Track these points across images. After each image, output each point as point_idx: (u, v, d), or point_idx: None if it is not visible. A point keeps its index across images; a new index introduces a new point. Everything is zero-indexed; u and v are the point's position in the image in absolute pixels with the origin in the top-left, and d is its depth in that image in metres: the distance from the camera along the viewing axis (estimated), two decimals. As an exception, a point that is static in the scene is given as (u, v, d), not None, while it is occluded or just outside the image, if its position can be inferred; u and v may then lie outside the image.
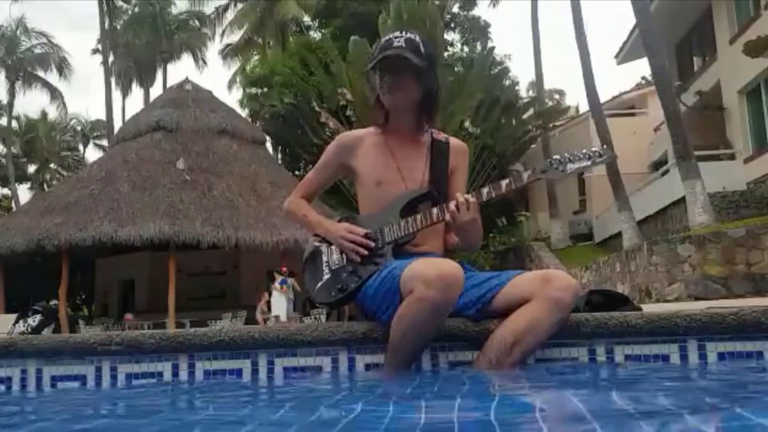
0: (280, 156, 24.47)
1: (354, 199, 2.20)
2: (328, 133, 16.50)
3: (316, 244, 2.11)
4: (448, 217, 1.88)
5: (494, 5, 29.25)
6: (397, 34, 2.01)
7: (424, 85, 2.03)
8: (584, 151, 1.88)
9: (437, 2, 22.27)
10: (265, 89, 23.38)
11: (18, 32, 34.55)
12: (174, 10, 35.75)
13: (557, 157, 1.89)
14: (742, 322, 1.79)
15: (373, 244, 1.97)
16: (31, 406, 1.77)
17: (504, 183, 1.89)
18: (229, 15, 32.81)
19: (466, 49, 26.19)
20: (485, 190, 1.90)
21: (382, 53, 1.99)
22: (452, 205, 1.88)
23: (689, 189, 11.79)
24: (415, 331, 1.75)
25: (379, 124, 2.14)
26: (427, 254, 1.97)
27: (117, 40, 33.88)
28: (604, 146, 1.99)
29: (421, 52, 1.99)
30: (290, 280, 13.34)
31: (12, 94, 35.23)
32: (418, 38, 2.00)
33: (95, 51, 37.46)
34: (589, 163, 1.87)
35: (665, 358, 1.83)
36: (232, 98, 40.85)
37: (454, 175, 2.13)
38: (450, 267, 1.72)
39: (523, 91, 29.50)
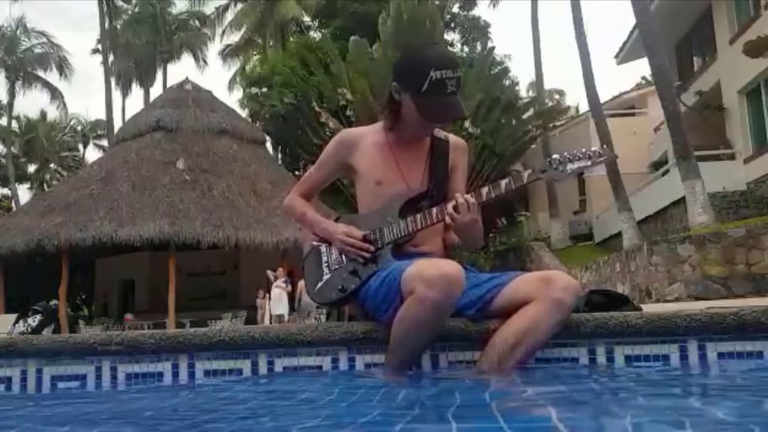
0: (280, 156, 24.47)
1: (353, 199, 2.19)
2: (328, 133, 16.49)
3: (315, 243, 2.10)
4: (447, 219, 1.87)
5: (494, 5, 29.30)
6: (450, 74, 1.88)
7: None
8: (584, 150, 1.86)
9: (437, 2, 22.30)
10: (265, 89, 23.38)
11: (18, 32, 34.59)
12: (174, 10, 35.82)
13: (557, 156, 1.87)
14: (742, 322, 1.79)
15: (372, 248, 1.96)
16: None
17: (503, 183, 1.88)
18: (229, 15, 32.87)
19: (466, 49, 26.18)
20: (485, 190, 1.88)
21: (441, 107, 1.93)
22: (450, 207, 1.86)
23: (689, 189, 11.78)
24: (417, 331, 1.75)
25: (389, 127, 2.09)
26: (427, 255, 1.96)
27: (117, 40, 33.90)
28: (604, 146, 1.98)
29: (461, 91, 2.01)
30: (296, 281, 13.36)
31: (12, 94, 35.25)
32: (462, 77, 1.96)
33: (95, 51, 37.48)
34: (589, 163, 1.85)
35: (665, 358, 1.83)
36: (232, 98, 40.85)
37: (453, 172, 2.12)
38: (451, 267, 1.72)
39: (523, 91, 29.54)
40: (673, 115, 12.14)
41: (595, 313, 1.92)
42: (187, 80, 20.23)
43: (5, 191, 40.19)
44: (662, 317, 1.85)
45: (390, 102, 2.04)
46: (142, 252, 16.62)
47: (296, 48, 23.82)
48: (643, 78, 28.84)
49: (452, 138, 2.17)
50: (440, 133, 2.14)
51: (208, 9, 34.88)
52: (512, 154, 19.15)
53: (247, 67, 30.69)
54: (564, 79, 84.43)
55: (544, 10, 63.03)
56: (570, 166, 1.86)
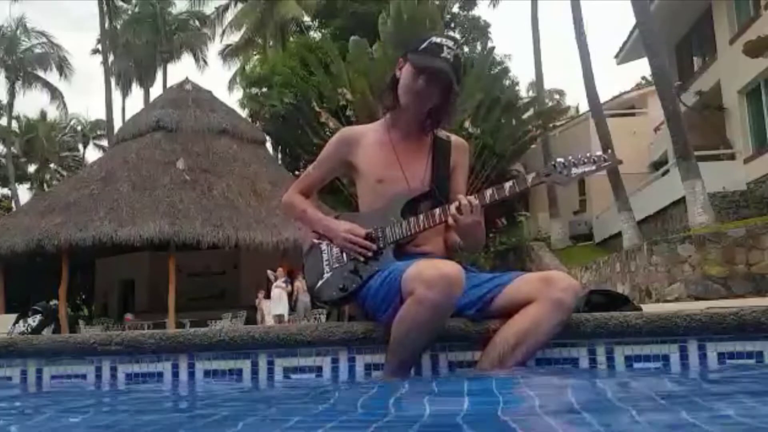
0: (280, 156, 24.47)
1: (353, 198, 2.19)
2: (328, 133, 16.48)
3: (315, 241, 2.09)
4: (450, 220, 1.87)
5: (494, 5, 29.27)
6: (450, 44, 1.98)
7: (444, 98, 2.03)
8: (588, 155, 1.86)
9: (437, 2, 22.30)
10: (265, 89, 23.38)
11: (18, 32, 34.58)
12: (174, 10, 35.81)
13: (561, 160, 1.87)
14: (742, 322, 1.79)
15: (375, 246, 1.95)
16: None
17: (507, 185, 1.88)
18: (229, 15, 32.85)
19: (466, 49, 26.16)
20: (488, 192, 1.88)
21: (430, 61, 1.95)
22: (453, 208, 1.86)
23: (689, 189, 11.79)
24: (417, 332, 1.75)
25: (389, 108, 2.09)
26: (429, 254, 1.96)
27: (117, 40, 33.89)
28: (609, 151, 1.98)
29: (460, 73, 2.01)
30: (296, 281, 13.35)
31: (12, 94, 35.25)
32: (462, 57, 2.01)
33: (95, 51, 37.47)
34: (593, 167, 1.85)
35: (665, 358, 1.83)
36: (232, 98, 40.82)
37: (454, 173, 2.12)
38: (451, 268, 1.72)
39: (523, 91, 29.50)
40: (673, 115, 12.14)
41: (595, 313, 1.92)
42: (187, 80, 20.22)
43: (5, 191, 40.21)
44: (662, 317, 1.84)
45: (390, 83, 2.07)
46: (142, 252, 16.61)
47: (296, 48, 23.82)
48: (643, 78, 28.85)
49: (454, 138, 2.17)
50: (442, 133, 2.14)
51: (208, 9, 34.92)
52: (512, 154, 19.15)
53: (247, 67, 30.68)
54: (564, 79, 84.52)
55: (544, 10, 63.01)
56: (574, 171, 1.86)
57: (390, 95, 2.07)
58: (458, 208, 1.85)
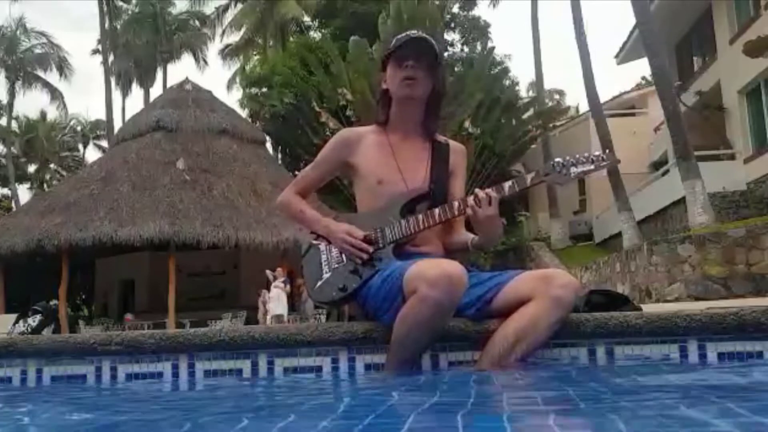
0: (280, 156, 24.46)
1: (354, 198, 2.20)
2: (328, 133, 16.46)
3: (314, 242, 2.09)
4: (468, 211, 1.88)
5: (494, 5, 29.25)
6: (413, 32, 2.09)
7: (434, 79, 2.07)
8: (587, 154, 1.88)
9: (437, 2, 22.27)
10: (265, 89, 23.37)
11: (18, 32, 34.58)
12: (174, 10, 35.81)
13: (560, 160, 1.89)
14: (742, 322, 1.79)
15: (372, 249, 1.96)
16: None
17: (507, 185, 1.90)
18: (229, 15, 32.84)
19: (466, 49, 26.17)
20: (507, 185, 1.91)
21: (403, 41, 2.04)
22: (471, 200, 1.88)
23: (689, 189, 11.78)
24: (419, 331, 1.75)
25: (380, 122, 2.14)
26: (428, 255, 1.97)
27: (117, 40, 33.89)
28: (607, 150, 2.00)
29: (435, 49, 2.06)
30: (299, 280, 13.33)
31: (12, 94, 35.24)
32: (431, 38, 2.08)
33: (95, 51, 37.47)
34: (592, 167, 1.87)
35: (665, 358, 1.83)
36: (232, 98, 40.84)
37: (453, 176, 2.13)
38: (453, 267, 1.72)
39: (523, 91, 29.49)
40: (673, 115, 12.14)
41: (595, 313, 1.92)
42: (187, 80, 20.22)
43: (5, 191, 40.19)
44: (662, 317, 1.85)
45: (381, 97, 2.14)
46: (142, 252, 16.60)
47: (296, 48, 23.81)
48: (643, 78, 28.86)
49: (452, 142, 2.20)
50: (440, 137, 2.17)
51: (208, 9, 34.90)
52: (512, 154, 19.15)
53: (247, 67, 30.67)
54: (564, 79, 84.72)
55: (544, 10, 63.08)
56: (573, 170, 1.87)
57: (383, 110, 2.12)
58: (476, 200, 1.87)
